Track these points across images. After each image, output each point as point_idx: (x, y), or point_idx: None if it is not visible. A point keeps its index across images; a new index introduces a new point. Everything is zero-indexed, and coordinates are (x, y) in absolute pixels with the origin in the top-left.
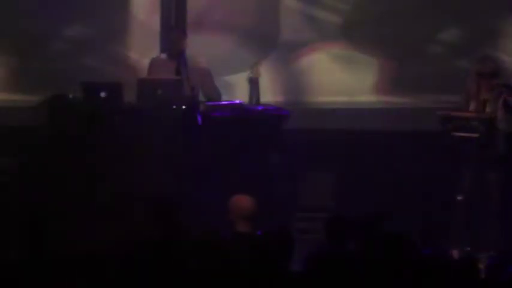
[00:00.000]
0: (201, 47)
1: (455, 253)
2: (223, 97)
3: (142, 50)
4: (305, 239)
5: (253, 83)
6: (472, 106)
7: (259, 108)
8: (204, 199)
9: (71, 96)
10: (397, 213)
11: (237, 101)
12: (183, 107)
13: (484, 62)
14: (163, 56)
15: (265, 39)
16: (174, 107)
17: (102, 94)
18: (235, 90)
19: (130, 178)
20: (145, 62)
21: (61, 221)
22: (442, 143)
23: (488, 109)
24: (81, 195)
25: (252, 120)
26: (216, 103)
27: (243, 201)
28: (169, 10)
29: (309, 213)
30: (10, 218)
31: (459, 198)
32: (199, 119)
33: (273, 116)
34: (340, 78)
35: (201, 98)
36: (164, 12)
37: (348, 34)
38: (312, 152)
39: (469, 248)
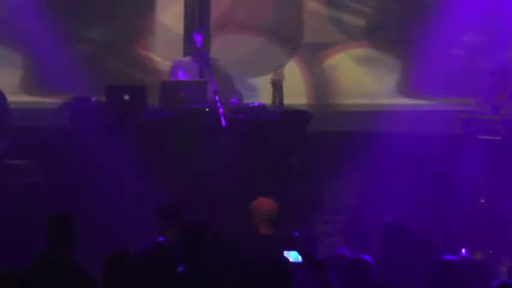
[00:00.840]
0: (224, 49)
1: (479, 255)
2: (246, 100)
3: (166, 52)
4: (326, 242)
5: (277, 86)
6: (495, 108)
7: (282, 110)
8: (226, 200)
9: (93, 98)
10: (420, 216)
11: (256, 103)
12: (207, 109)
13: None
14: (187, 58)
15: (288, 42)
16: (198, 109)
17: (126, 97)
18: (259, 92)
19: (154, 180)
20: (168, 65)
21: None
22: (465, 145)
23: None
24: (104, 196)
25: (275, 122)
26: (239, 105)
27: (264, 204)
28: (193, 12)
29: (331, 215)
30: (35, 218)
31: (482, 201)
32: (223, 121)
33: (296, 118)
34: (363, 80)
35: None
36: (188, 15)
37: (371, 36)
38: (334, 154)
39: (491, 251)
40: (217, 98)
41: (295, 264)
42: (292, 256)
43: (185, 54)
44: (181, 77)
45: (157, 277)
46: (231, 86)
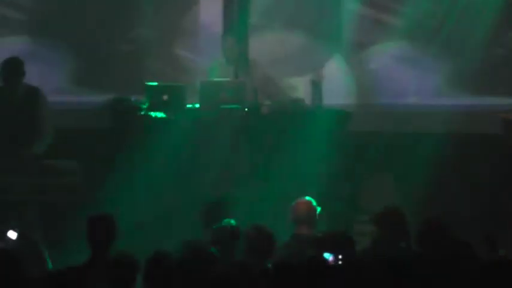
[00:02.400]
0: (265, 49)
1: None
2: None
3: (206, 52)
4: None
5: (316, 86)
6: None
7: (321, 109)
8: (265, 199)
9: (133, 98)
10: (460, 217)
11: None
12: (245, 109)
13: None
14: (224, 59)
15: (328, 42)
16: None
17: (165, 97)
18: (299, 92)
19: (194, 181)
20: (208, 65)
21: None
22: (505, 146)
23: None
24: (145, 197)
25: (314, 121)
26: (277, 104)
27: (301, 205)
28: (232, 13)
29: (369, 215)
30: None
31: None
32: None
33: (334, 117)
34: (402, 80)
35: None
36: (227, 15)
37: (410, 36)
38: (373, 154)
39: None
40: (255, 97)
41: (333, 265)
42: (330, 257)
43: (224, 54)
44: (219, 77)
45: (193, 277)
46: (272, 86)
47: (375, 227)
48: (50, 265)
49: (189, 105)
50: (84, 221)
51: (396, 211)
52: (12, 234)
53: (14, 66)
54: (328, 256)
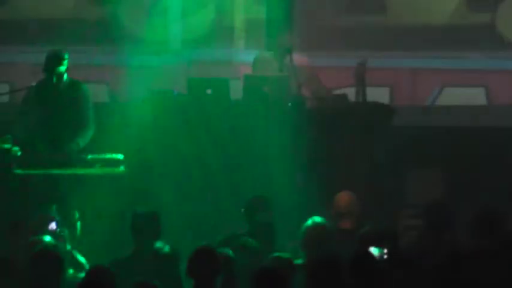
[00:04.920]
0: None
1: None
2: None
3: (249, 46)
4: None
5: (360, 80)
6: None
7: (365, 103)
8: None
9: (175, 92)
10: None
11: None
12: (289, 104)
13: None
14: (267, 53)
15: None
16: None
17: (208, 91)
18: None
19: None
20: (250, 59)
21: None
22: None
23: None
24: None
25: (357, 115)
26: (321, 97)
27: (342, 198)
28: (275, 5)
29: (416, 210)
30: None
31: None
32: None
33: (379, 111)
34: None
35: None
36: (270, 8)
37: None
38: (419, 149)
39: None
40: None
41: (378, 259)
42: (376, 252)
43: (267, 47)
44: (263, 71)
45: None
46: (317, 80)
47: (420, 221)
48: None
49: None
50: (130, 214)
51: (440, 203)
52: (53, 227)
53: (59, 58)
54: (375, 251)
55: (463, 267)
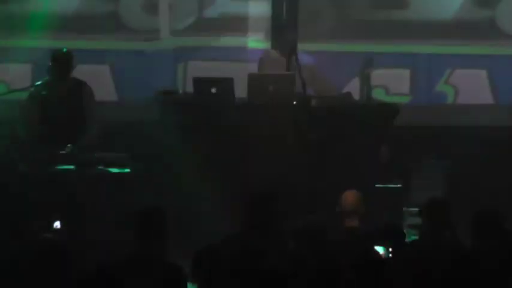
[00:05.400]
0: None
1: None
2: None
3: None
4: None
5: (365, 79)
6: None
7: (370, 102)
8: (316, 192)
9: (180, 91)
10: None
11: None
12: (294, 102)
13: None
14: (273, 51)
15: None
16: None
17: (213, 90)
18: (347, 87)
19: (242, 172)
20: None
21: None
22: None
23: None
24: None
25: (362, 113)
26: (326, 96)
27: (348, 197)
28: (281, 3)
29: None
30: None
31: None
32: None
33: (383, 110)
34: None
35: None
36: (275, 5)
37: None
38: (424, 147)
39: None
40: (305, 91)
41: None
42: (381, 250)
43: (273, 45)
44: (269, 70)
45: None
46: (321, 79)
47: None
48: None
49: None
50: (133, 214)
51: (439, 201)
52: (58, 225)
53: (64, 59)
54: (380, 249)
55: (463, 266)
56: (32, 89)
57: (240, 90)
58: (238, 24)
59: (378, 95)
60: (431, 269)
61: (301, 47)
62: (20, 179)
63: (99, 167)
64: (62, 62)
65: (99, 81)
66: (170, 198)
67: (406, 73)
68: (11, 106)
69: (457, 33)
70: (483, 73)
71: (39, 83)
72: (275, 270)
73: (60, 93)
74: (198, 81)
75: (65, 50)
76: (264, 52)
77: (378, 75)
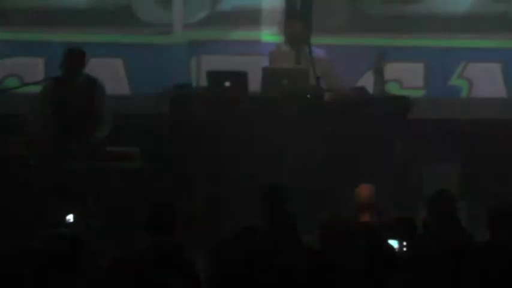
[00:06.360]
0: None
1: None
2: None
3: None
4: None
5: (378, 74)
6: None
7: (384, 96)
8: (330, 186)
9: (194, 85)
10: None
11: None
12: (308, 96)
13: None
14: (285, 45)
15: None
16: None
17: (227, 83)
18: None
19: (254, 167)
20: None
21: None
22: None
23: None
24: (203, 182)
25: (376, 107)
26: (340, 90)
27: (362, 191)
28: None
29: None
30: (141, 203)
31: None
32: None
33: (397, 104)
34: None
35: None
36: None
37: None
38: (437, 142)
39: None
40: (318, 84)
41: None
42: (395, 244)
43: (286, 40)
44: (280, 64)
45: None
46: (334, 73)
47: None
48: None
49: None
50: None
51: (444, 194)
52: (71, 218)
53: (76, 56)
54: (394, 243)
55: (471, 259)
56: (45, 83)
57: (254, 84)
58: (251, 17)
59: (392, 88)
60: (444, 262)
61: (315, 40)
62: (31, 173)
63: (112, 161)
64: (74, 58)
65: (112, 75)
66: (181, 192)
67: (419, 67)
68: (23, 100)
69: (471, 27)
70: (497, 67)
71: (51, 78)
72: (289, 265)
73: (72, 90)
74: (212, 75)
75: (77, 47)
76: (276, 46)
77: (392, 69)
